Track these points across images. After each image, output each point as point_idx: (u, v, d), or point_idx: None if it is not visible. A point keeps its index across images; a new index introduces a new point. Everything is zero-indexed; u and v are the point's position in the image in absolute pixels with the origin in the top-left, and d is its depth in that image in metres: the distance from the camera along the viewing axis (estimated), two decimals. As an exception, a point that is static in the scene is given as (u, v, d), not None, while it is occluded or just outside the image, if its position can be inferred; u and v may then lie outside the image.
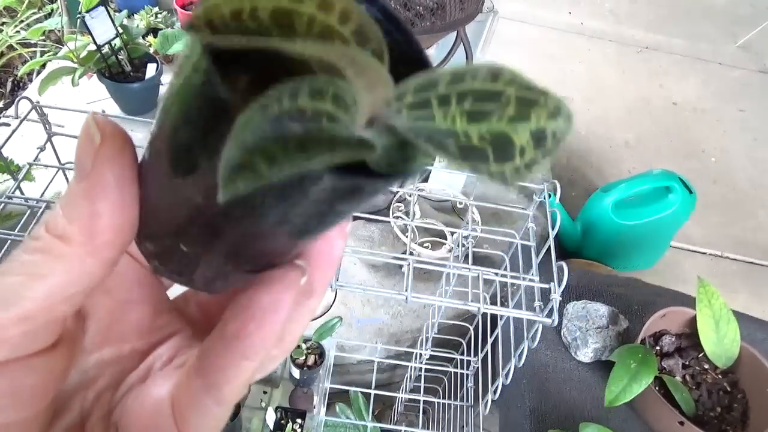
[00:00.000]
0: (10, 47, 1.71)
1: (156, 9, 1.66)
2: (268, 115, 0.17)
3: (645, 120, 2.24)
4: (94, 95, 1.45)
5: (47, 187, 0.71)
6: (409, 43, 0.24)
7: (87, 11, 1.21)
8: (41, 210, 0.61)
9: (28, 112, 0.70)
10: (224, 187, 0.16)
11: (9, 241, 0.62)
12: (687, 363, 0.90)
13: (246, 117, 0.17)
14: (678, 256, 1.75)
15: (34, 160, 0.69)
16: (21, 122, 0.69)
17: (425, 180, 1.42)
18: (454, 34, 1.48)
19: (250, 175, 0.16)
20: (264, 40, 0.17)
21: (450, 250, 1.22)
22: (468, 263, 0.72)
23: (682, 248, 1.78)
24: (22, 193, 0.67)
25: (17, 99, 0.69)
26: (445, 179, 1.37)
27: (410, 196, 1.19)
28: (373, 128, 0.19)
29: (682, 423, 0.79)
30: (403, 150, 0.20)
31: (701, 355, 0.90)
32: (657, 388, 0.84)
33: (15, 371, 0.20)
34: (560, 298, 0.63)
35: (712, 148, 2.17)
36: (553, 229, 0.69)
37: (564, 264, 0.65)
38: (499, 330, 0.85)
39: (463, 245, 0.94)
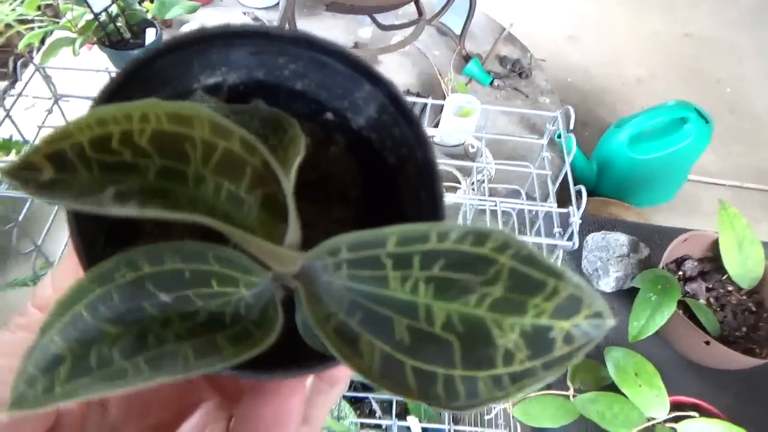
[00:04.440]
0: (8, 26, 1.69)
1: (150, -26, 1.63)
2: (112, 287, 0.14)
3: (657, 54, 2.18)
4: (97, 65, 1.44)
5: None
6: (418, 142, 0.20)
7: (81, -22, 1.19)
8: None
9: (32, 74, 0.69)
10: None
11: (29, 201, 0.64)
12: (710, 286, 0.89)
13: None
14: (696, 189, 1.72)
15: (43, 123, 0.69)
16: (26, 85, 0.68)
17: (435, 126, 1.40)
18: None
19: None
20: (138, 209, 0.13)
21: (465, 194, 1.21)
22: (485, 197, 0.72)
23: (700, 181, 1.75)
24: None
25: (18, 63, 0.69)
26: (457, 124, 1.35)
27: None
28: (295, 280, 0.15)
29: (707, 342, 0.79)
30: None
31: (725, 277, 0.89)
32: (681, 311, 0.84)
33: None
34: (580, 221, 0.63)
35: (727, 77, 2.11)
36: (568, 154, 0.68)
37: (582, 187, 0.64)
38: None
39: (479, 180, 0.93)
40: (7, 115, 0.65)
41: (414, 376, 0.13)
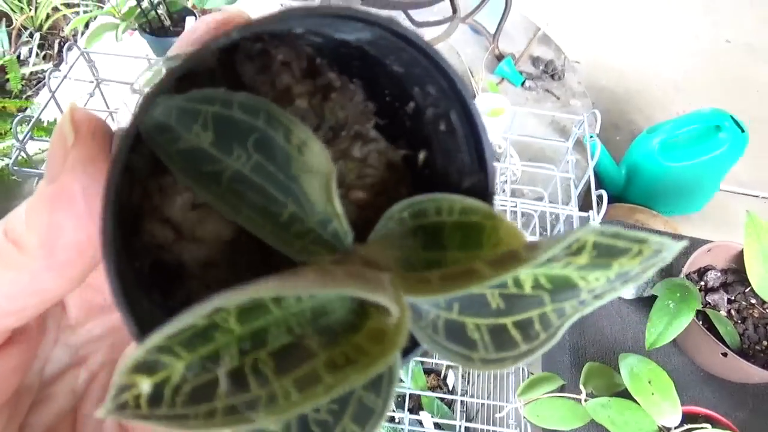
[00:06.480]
0: (55, 9, 1.75)
1: (192, -37, 1.67)
2: None
3: (696, 60, 2.14)
4: (137, 51, 1.48)
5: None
6: (436, 66, 0.18)
7: (125, -35, 1.23)
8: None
9: (77, 59, 0.73)
10: None
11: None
12: (733, 298, 0.89)
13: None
14: (727, 199, 1.69)
15: (84, 105, 0.72)
16: (71, 68, 0.71)
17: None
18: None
19: None
20: None
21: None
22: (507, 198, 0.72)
23: (731, 191, 1.72)
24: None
25: (65, 47, 0.72)
26: (486, 123, 1.36)
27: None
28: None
29: (725, 354, 0.78)
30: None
31: (748, 290, 0.88)
32: (701, 322, 0.83)
33: None
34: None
35: (767, 87, 2.06)
36: (592, 158, 0.68)
37: (603, 192, 0.64)
38: (538, 266, 0.85)
39: (502, 181, 0.93)
40: (52, 96, 0.68)
41: (516, 330, 0.14)
